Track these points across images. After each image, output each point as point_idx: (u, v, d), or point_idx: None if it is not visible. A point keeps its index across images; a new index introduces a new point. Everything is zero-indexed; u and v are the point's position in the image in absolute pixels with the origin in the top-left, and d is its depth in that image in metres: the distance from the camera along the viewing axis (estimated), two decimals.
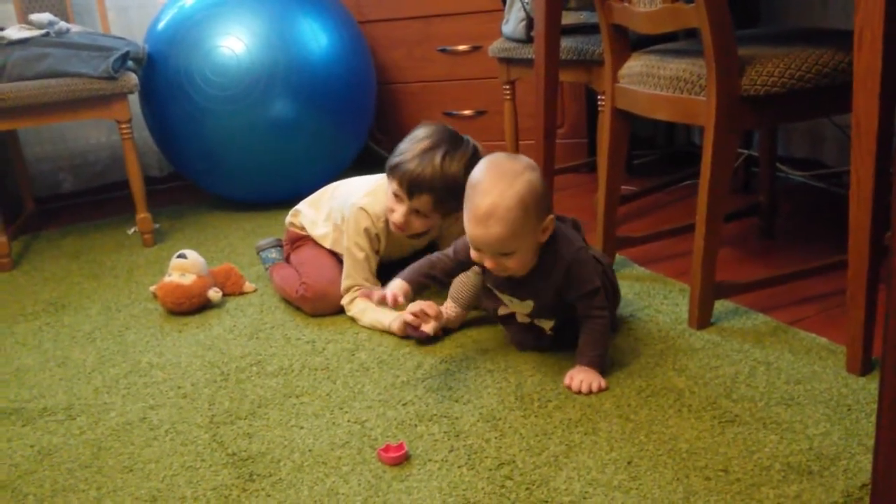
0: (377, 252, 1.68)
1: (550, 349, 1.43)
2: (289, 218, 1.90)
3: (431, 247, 1.75)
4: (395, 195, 1.58)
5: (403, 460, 1.15)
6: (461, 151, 1.56)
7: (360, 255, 1.65)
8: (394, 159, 1.58)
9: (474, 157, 1.51)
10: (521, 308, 1.40)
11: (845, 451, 1.09)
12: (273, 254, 1.95)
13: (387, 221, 1.64)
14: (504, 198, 1.24)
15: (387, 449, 1.17)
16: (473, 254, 1.32)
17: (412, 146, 1.56)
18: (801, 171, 2.31)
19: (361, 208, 1.65)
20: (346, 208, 1.69)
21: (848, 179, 1.21)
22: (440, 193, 1.55)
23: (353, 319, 1.65)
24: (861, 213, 1.19)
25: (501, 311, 1.45)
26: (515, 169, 1.26)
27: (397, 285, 1.35)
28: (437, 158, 1.53)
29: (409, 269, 1.39)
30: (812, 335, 1.41)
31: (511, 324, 1.45)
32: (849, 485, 1.02)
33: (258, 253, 1.99)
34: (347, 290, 1.67)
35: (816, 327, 1.45)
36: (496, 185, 1.25)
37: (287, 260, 1.89)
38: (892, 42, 1.10)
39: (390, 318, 1.56)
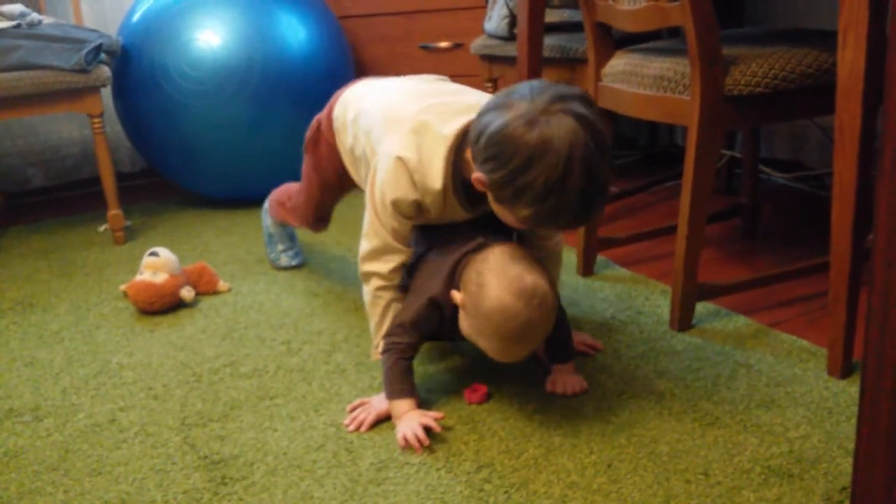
0: (416, 217, 1.23)
1: None
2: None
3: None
4: None
5: (485, 399, 1.27)
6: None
7: (378, 240, 1.22)
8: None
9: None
10: None
11: (825, 454, 1.08)
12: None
13: (443, 185, 1.15)
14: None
15: (474, 389, 1.28)
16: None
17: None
18: (784, 173, 2.32)
19: (399, 158, 1.13)
20: (376, 145, 1.20)
21: (830, 182, 1.20)
22: None
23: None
24: (843, 215, 1.19)
25: None
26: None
27: (419, 423, 1.17)
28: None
29: (403, 378, 1.22)
30: (793, 338, 1.41)
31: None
32: (829, 488, 1.02)
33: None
34: (365, 274, 1.29)
35: (798, 330, 1.44)
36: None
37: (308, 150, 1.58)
38: (876, 43, 1.09)
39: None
